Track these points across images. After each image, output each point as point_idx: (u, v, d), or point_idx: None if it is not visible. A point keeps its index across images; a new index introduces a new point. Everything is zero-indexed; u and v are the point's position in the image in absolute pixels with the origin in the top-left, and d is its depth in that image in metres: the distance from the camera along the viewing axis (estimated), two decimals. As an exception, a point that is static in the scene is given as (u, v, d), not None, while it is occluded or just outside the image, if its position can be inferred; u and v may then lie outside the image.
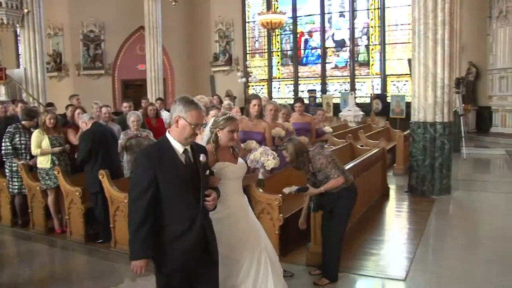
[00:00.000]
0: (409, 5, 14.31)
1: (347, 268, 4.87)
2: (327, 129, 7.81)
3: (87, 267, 5.68)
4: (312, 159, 4.41)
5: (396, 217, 7.43)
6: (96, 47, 19.98)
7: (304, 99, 12.34)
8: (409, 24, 15.15)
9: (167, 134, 2.96)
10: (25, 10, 13.24)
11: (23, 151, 6.88)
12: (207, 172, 3.07)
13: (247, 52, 21.14)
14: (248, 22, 20.95)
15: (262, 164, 3.95)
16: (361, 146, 9.51)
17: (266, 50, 20.85)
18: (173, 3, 15.46)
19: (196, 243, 2.89)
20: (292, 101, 17.45)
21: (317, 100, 18.57)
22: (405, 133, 9.99)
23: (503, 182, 9.41)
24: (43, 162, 6.50)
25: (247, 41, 21.13)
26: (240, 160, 3.69)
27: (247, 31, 21.03)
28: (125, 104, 8.66)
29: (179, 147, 2.91)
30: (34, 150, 6.47)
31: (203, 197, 2.94)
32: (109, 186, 5.67)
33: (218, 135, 3.58)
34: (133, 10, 18.07)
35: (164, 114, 9.77)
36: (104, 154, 6.14)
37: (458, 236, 6.23)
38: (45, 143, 6.48)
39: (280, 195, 4.81)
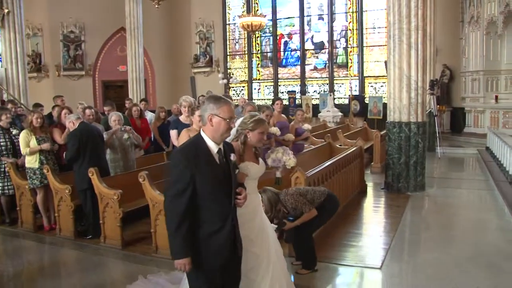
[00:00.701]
0: (385, 9, 14.73)
1: (328, 259, 5.18)
2: (307, 126, 8.04)
3: (76, 262, 5.82)
4: (283, 202, 4.59)
5: (373, 212, 7.78)
6: (76, 48, 19.92)
7: (284, 100, 12.64)
8: (385, 27, 15.58)
9: (202, 133, 3.01)
10: (6, 10, 13.19)
11: (4, 152, 7.00)
12: (237, 171, 3.18)
13: (228, 53, 21.37)
14: (229, 24, 21.17)
15: (284, 163, 4.10)
16: (340, 145, 9.81)
17: (246, 52, 21.10)
18: (156, 6, 15.57)
19: (228, 241, 2.98)
20: (271, 102, 17.79)
21: (297, 101, 18.91)
22: (382, 133, 10.35)
23: (476, 179, 9.86)
24: (31, 162, 6.64)
25: (228, 42, 21.34)
26: (260, 160, 3.76)
27: (227, 33, 21.25)
28: (105, 108, 8.82)
29: (213, 147, 2.97)
30: (24, 150, 6.60)
31: (234, 195, 3.04)
32: (99, 183, 5.86)
33: (248, 136, 3.62)
34: (113, 11, 18.12)
35: (149, 115, 9.96)
36: (92, 152, 6.31)
37: (432, 229, 6.60)
38: (33, 143, 6.62)
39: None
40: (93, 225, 6.18)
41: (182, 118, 6.71)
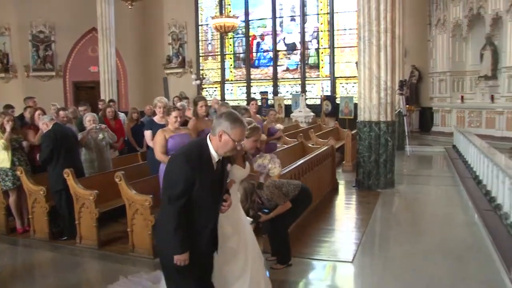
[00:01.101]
0: (356, 11, 15.05)
1: (302, 254, 5.33)
2: (279, 126, 8.20)
3: (52, 263, 5.80)
4: (259, 194, 4.70)
5: (345, 209, 8.02)
6: (46, 48, 19.66)
7: (257, 101, 12.77)
8: (356, 28, 15.92)
9: (208, 141, 3.07)
10: (-27, 10, 12.95)
11: None
12: (228, 179, 3.32)
13: (200, 54, 21.41)
14: (201, 25, 21.22)
15: (268, 170, 4.20)
16: (312, 144, 10.00)
17: (219, 53, 21.19)
18: (129, 7, 15.49)
19: (209, 240, 3.16)
20: (244, 103, 17.99)
21: (269, 102, 19.12)
22: (353, 132, 10.60)
23: (443, 176, 10.20)
24: (3, 161, 6.55)
25: (200, 43, 21.40)
26: (247, 164, 3.90)
27: (200, 34, 21.30)
28: (80, 108, 8.79)
29: (215, 156, 3.06)
30: None
31: (221, 201, 3.20)
32: (74, 184, 5.86)
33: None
34: (84, 11, 17.91)
35: (122, 116, 9.97)
36: (66, 153, 6.28)
37: (402, 224, 6.85)
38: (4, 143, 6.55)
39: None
40: (69, 226, 6.17)
41: (156, 118, 6.76)
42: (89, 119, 7.11)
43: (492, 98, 14.10)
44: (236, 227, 3.72)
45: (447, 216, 7.10)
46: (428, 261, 5.15)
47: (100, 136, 7.07)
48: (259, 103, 17.20)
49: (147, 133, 6.53)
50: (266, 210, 4.78)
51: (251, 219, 4.65)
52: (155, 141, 5.70)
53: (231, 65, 21.18)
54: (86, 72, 19.56)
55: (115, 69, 17.16)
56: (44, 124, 6.43)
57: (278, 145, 8.67)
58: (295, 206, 4.87)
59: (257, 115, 8.19)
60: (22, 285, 5.02)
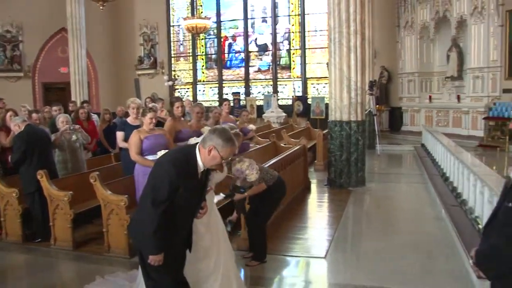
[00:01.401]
0: (327, 13, 15.29)
1: (276, 251, 5.44)
2: (251, 126, 8.32)
3: (25, 265, 5.73)
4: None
5: (317, 207, 8.17)
6: (14, 48, 19.23)
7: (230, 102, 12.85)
8: (327, 30, 16.17)
9: (197, 151, 3.15)
10: None
11: None
12: (208, 188, 3.45)
13: (172, 55, 21.34)
14: (173, 26, 21.17)
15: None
16: (284, 144, 10.13)
17: (190, 54, 21.18)
18: (101, 7, 15.33)
19: (182, 241, 3.31)
20: (216, 103, 18.06)
21: (241, 102, 19.19)
22: (324, 132, 10.79)
23: (413, 174, 10.50)
24: (-27, 165, 6.47)
25: (172, 44, 21.34)
26: (225, 168, 3.99)
27: (171, 35, 21.25)
28: (54, 108, 8.71)
29: (201, 166, 3.16)
30: None
31: (199, 208, 3.34)
32: (48, 185, 5.81)
33: None
34: (53, 11, 17.64)
35: (95, 117, 9.90)
36: (39, 154, 6.22)
37: (373, 220, 7.05)
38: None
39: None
40: (42, 228, 6.11)
41: (129, 119, 6.76)
42: (62, 120, 7.07)
43: (458, 98, 14.58)
44: (209, 227, 3.82)
45: (416, 212, 7.35)
46: (398, 256, 5.32)
47: (74, 137, 7.03)
48: (232, 104, 17.32)
49: (119, 134, 6.53)
50: (241, 190, 4.88)
51: (224, 195, 4.76)
52: (130, 142, 5.72)
53: (203, 66, 21.20)
54: (56, 73, 19.21)
55: (85, 70, 16.95)
56: (16, 125, 6.36)
57: (251, 145, 8.79)
58: (270, 195, 4.99)
59: (230, 116, 8.29)
60: (-5, 288, 4.98)
